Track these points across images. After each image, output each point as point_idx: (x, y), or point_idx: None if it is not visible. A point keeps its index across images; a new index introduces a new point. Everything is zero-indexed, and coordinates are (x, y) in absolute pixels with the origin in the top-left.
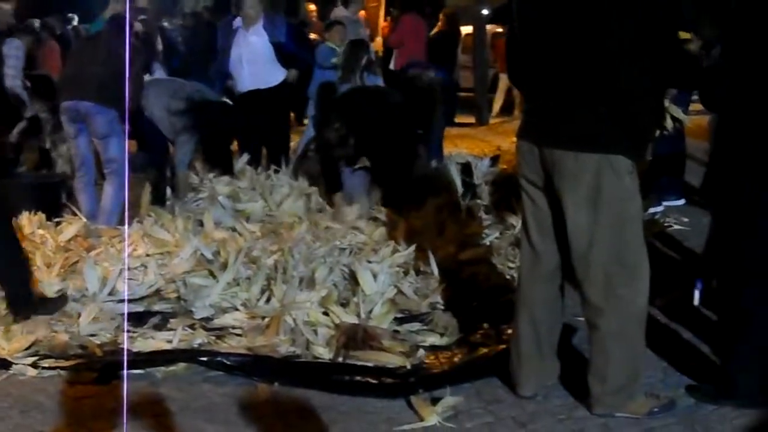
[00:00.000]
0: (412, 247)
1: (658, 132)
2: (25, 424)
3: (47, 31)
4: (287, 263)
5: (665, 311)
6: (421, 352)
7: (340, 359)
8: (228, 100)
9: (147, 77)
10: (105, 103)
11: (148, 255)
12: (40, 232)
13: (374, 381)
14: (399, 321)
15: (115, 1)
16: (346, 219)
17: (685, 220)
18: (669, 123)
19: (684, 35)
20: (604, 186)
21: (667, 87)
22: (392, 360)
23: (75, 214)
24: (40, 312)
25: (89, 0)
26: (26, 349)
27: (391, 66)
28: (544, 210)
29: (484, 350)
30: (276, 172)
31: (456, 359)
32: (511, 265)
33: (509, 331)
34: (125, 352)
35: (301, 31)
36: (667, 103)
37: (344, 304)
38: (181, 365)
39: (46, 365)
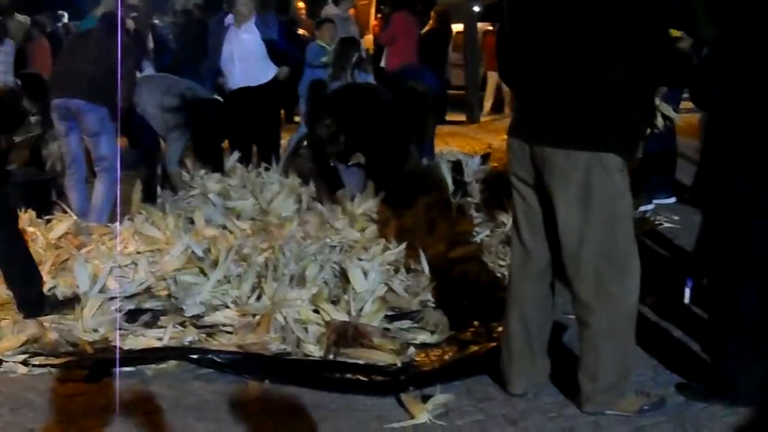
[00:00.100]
0: (403, 245)
1: (648, 130)
2: (16, 422)
3: (38, 29)
4: (278, 261)
5: (656, 309)
6: (412, 349)
7: (331, 357)
8: (219, 98)
9: (138, 74)
10: (96, 101)
11: (138, 252)
12: (31, 229)
13: (365, 379)
14: (389, 319)
15: None
16: (356, 211)
17: (676, 218)
18: (660, 121)
19: (675, 33)
20: (595, 184)
21: (657, 85)
22: (383, 358)
23: (65, 212)
24: (50, 313)
25: None
26: (17, 347)
27: (382, 64)
28: (534, 208)
29: (475, 348)
30: (267, 169)
31: (446, 357)
32: (502, 262)
33: (500, 329)
34: (117, 350)
35: (292, 28)
36: (657, 101)
37: (335, 302)
38: (171, 363)
39: (37, 363)
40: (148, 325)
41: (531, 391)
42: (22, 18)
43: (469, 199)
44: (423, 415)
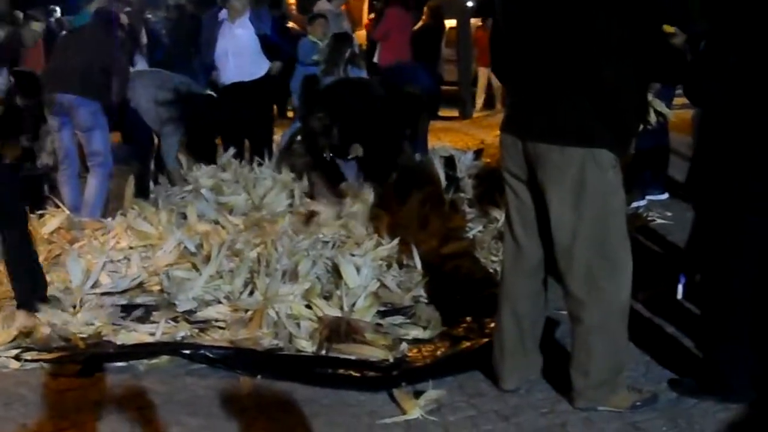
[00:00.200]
0: (396, 241)
1: (641, 126)
2: (8, 417)
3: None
4: (270, 256)
5: (648, 305)
6: (404, 345)
7: (323, 352)
8: (212, 93)
9: (131, 69)
10: (88, 96)
11: (131, 248)
12: None
13: (357, 374)
14: (382, 314)
15: None
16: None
17: (669, 214)
18: (652, 117)
19: (668, 29)
20: (588, 180)
21: (651, 81)
22: (375, 353)
23: (58, 207)
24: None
25: None
26: (9, 341)
27: (375, 59)
28: (527, 204)
29: (467, 344)
30: (259, 164)
31: (439, 352)
32: (494, 258)
33: (492, 325)
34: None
35: (284, 23)
36: (650, 97)
37: (327, 297)
38: (164, 358)
39: (29, 358)
40: (141, 320)
41: (523, 387)
42: (37, 26)
43: (462, 194)
44: (415, 410)
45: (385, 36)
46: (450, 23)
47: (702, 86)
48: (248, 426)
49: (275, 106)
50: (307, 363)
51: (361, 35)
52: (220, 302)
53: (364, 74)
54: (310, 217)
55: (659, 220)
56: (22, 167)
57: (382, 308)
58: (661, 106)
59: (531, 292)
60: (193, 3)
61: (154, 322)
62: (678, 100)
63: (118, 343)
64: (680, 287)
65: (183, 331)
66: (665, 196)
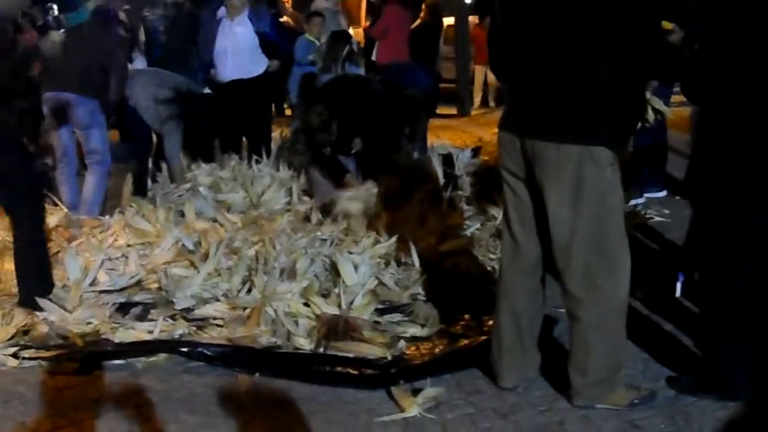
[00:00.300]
0: (394, 239)
1: (639, 124)
2: (6, 415)
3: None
4: (268, 254)
5: (646, 303)
6: (402, 343)
7: (321, 350)
8: (210, 91)
9: (130, 66)
10: (87, 94)
11: (129, 245)
12: None
13: (355, 372)
14: (380, 312)
15: None
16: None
17: (667, 212)
18: (650, 115)
19: (667, 25)
20: (586, 178)
21: (648, 79)
22: (373, 351)
23: (56, 205)
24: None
25: None
26: (7, 339)
27: (373, 57)
28: (525, 201)
29: (465, 341)
30: (257, 162)
31: (437, 350)
32: (492, 256)
33: (490, 323)
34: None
35: (282, 22)
36: (648, 94)
37: (325, 295)
38: (162, 356)
39: (27, 356)
40: (139, 318)
41: (521, 385)
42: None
43: (460, 192)
44: (413, 408)
45: (384, 34)
46: (448, 21)
47: (699, 84)
48: (246, 424)
49: (273, 105)
50: (305, 361)
51: (358, 33)
52: (218, 300)
53: (362, 72)
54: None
55: (657, 218)
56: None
57: (380, 306)
58: (659, 104)
59: (529, 289)
60: (192, 1)
61: (152, 320)
62: (676, 98)
63: (116, 340)
64: (678, 285)
65: (181, 329)
66: (663, 193)
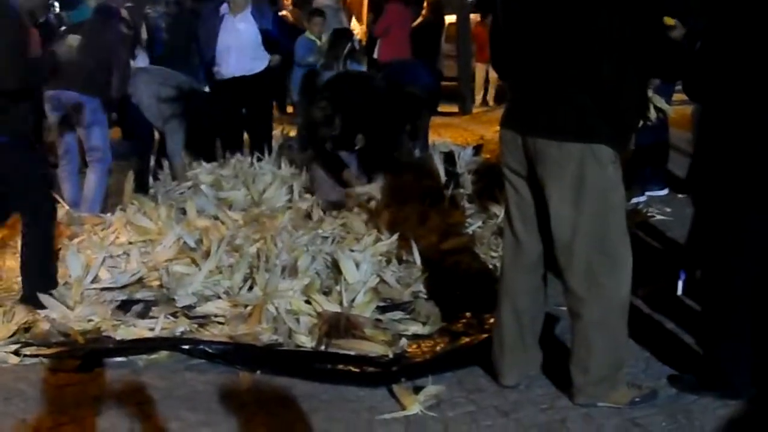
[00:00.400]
0: (395, 236)
1: (641, 122)
2: (8, 412)
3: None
4: (270, 251)
5: (648, 301)
6: (404, 341)
7: (323, 348)
8: (211, 89)
9: (132, 63)
10: (88, 92)
11: (130, 243)
12: None
13: (356, 370)
14: (381, 310)
15: None
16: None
17: (668, 210)
18: (652, 113)
19: (669, 21)
20: (588, 175)
21: (650, 77)
22: (374, 349)
23: (58, 202)
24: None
25: None
26: (8, 337)
27: (375, 55)
28: (527, 199)
29: (467, 339)
30: (259, 160)
31: (438, 348)
32: (494, 254)
33: (491, 321)
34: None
35: (283, 19)
36: (650, 93)
37: (327, 293)
38: (163, 353)
39: (29, 353)
40: (140, 315)
41: (523, 383)
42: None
43: (462, 190)
44: (414, 406)
45: (385, 32)
46: (450, 19)
47: (701, 82)
48: (247, 421)
49: (275, 102)
50: (307, 358)
51: (363, 30)
52: (219, 297)
53: (363, 69)
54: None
55: (659, 216)
56: None
57: (382, 304)
58: (660, 102)
59: (531, 287)
60: None
61: (153, 318)
62: (678, 96)
63: (118, 338)
64: (680, 283)
65: (182, 327)
66: (665, 192)
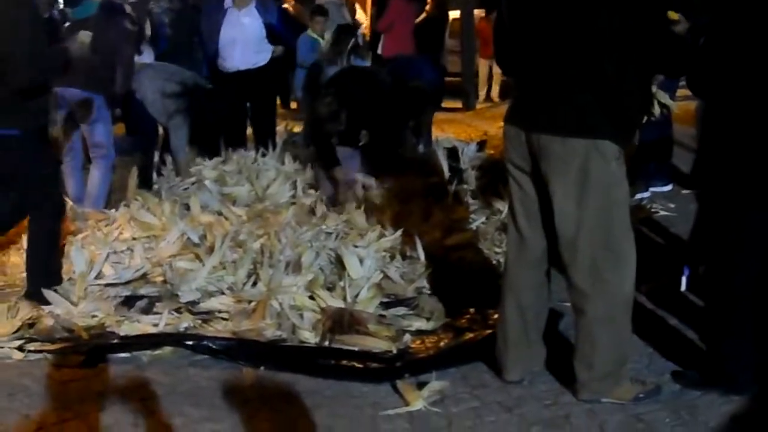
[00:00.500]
0: (399, 232)
1: (645, 118)
2: (12, 408)
3: None
4: (273, 247)
5: (652, 297)
6: (407, 336)
7: (326, 343)
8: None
9: (136, 58)
10: (92, 89)
11: (134, 239)
12: None
13: (360, 365)
14: (385, 305)
15: None
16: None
17: (672, 206)
18: (656, 109)
19: (673, 16)
20: (592, 171)
21: (654, 73)
22: (378, 344)
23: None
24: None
25: None
26: (13, 332)
27: (379, 51)
28: (530, 195)
29: (470, 335)
30: (263, 155)
31: (442, 344)
32: (498, 250)
33: (495, 316)
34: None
35: (288, 13)
36: (654, 88)
37: (330, 289)
38: (167, 349)
39: (33, 349)
40: (144, 311)
41: (526, 379)
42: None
43: (465, 186)
44: (418, 402)
45: (389, 27)
46: (453, 14)
47: (705, 78)
48: (251, 417)
49: (278, 97)
50: (310, 354)
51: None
52: (223, 293)
53: (367, 65)
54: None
55: (663, 212)
56: None
57: (386, 299)
58: (664, 98)
59: (534, 283)
60: None
61: (157, 313)
62: (682, 92)
63: (122, 334)
64: (684, 279)
65: (186, 322)
66: (669, 187)
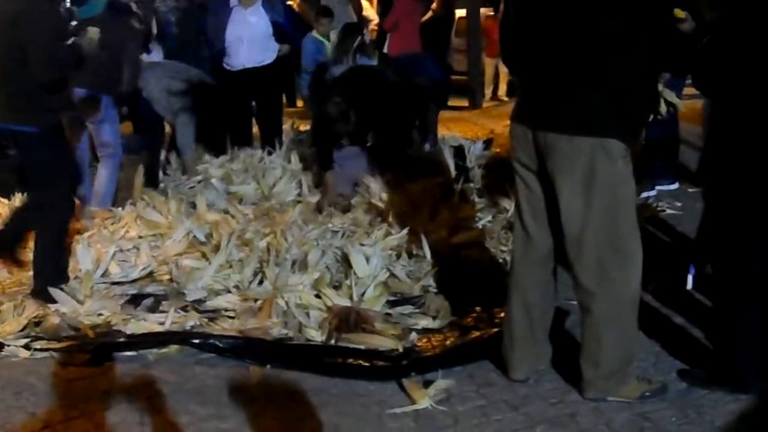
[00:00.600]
0: (405, 230)
1: (651, 116)
2: (18, 406)
3: None
4: (280, 246)
5: (658, 296)
6: (414, 335)
7: (332, 342)
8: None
9: (145, 57)
10: (98, 89)
11: (140, 237)
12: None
13: (366, 364)
14: (391, 304)
15: None
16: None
17: (678, 204)
18: (663, 107)
19: (679, 14)
20: (598, 170)
21: (660, 71)
22: (384, 343)
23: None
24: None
25: None
26: (19, 331)
27: (385, 49)
28: (537, 194)
29: (477, 333)
30: (269, 154)
31: (448, 342)
32: (504, 248)
33: (502, 315)
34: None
35: (293, 11)
36: (660, 87)
37: (337, 287)
38: (173, 347)
39: (39, 347)
40: (150, 309)
41: (532, 377)
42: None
43: (471, 184)
44: (424, 400)
45: (395, 26)
46: (460, 13)
47: (711, 76)
48: (257, 415)
49: (284, 95)
50: (317, 352)
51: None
52: (229, 292)
53: (374, 63)
54: None
55: (669, 211)
56: None
57: (392, 298)
58: (671, 97)
59: (541, 281)
60: None
61: (163, 312)
62: (688, 90)
63: (128, 332)
64: (690, 278)
65: (192, 321)
66: (675, 186)
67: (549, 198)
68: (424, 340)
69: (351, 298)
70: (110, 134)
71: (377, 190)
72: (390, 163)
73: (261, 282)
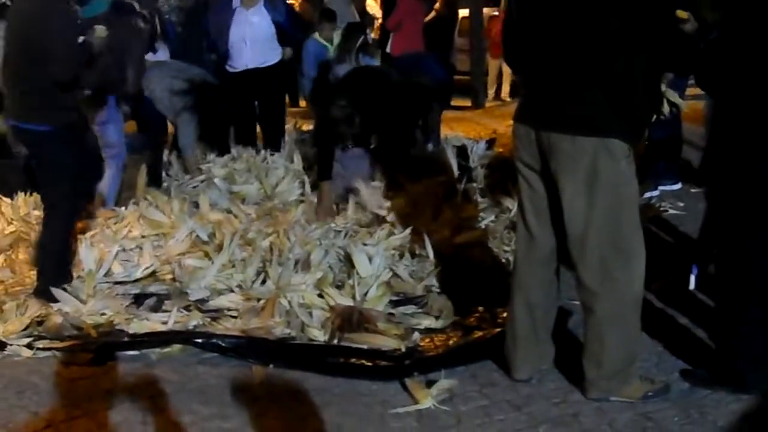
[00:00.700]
0: (408, 230)
1: (654, 117)
2: (20, 405)
3: None
4: (283, 245)
5: (661, 296)
6: (416, 334)
7: (335, 342)
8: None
9: (150, 56)
10: (104, 89)
11: (143, 237)
12: (36, 212)
13: (369, 363)
14: (394, 304)
15: None
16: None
17: (681, 204)
18: (665, 108)
19: (682, 15)
20: (601, 169)
21: (663, 71)
22: (387, 343)
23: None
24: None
25: None
26: (21, 330)
27: (388, 49)
28: (540, 193)
29: (479, 333)
30: (272, 153)
31: (451, 342)
32: (507, 248)
33: (504, 315)
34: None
35: (294, 10)
36: (663, 87)
37: (339, 287)
38: (176, 347)
39: (42, 346)
40: (153, 309)
41: (535, 377)
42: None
43: (474, 184)
44: (427, 400)
45: (398, 26)
46: (463, 13)
47: (714, 75)
48: (260, 415)
49: (287, 95)
50: (319, 352)
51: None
52: (232, 291)
53: (376, 63)
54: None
55: (672, 211)
56: None
57: (395, 298)
58: (674, 97)
59: (543, 281)
60: None
61: (166, 311)
62: (691, 91)
63: (131, 331)
64: (693, 278)
65: (195, 320)
66: (678, 186)
67: (552, 198)
68: (427, 340)
69: (354, 297)
70: (114, 135)
71: (375, 201)
72: (393, 163)
73: (264, 282)
